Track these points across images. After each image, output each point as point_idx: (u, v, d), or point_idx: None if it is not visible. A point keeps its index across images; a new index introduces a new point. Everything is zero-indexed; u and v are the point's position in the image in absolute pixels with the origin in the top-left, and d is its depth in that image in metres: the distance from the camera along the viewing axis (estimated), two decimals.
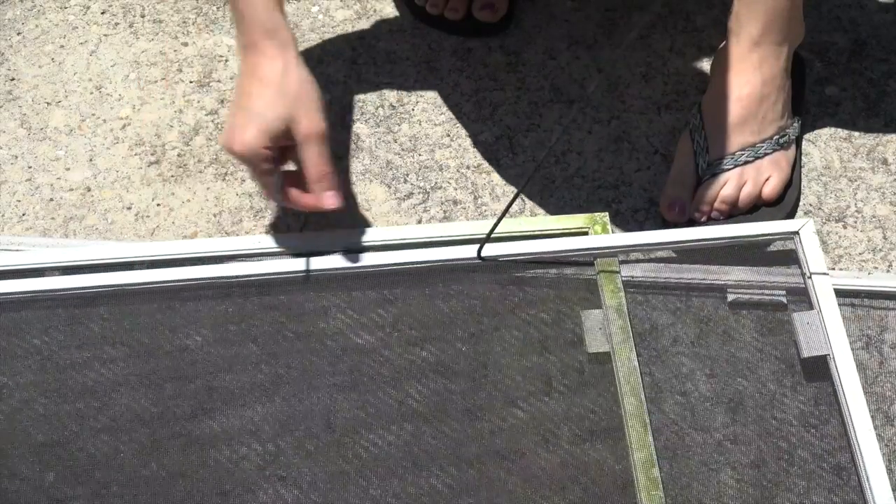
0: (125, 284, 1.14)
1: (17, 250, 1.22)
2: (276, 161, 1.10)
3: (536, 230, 1.19)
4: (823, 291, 1.15)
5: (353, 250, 1.17)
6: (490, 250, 1.15)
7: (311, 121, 1.07)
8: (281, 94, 1.07)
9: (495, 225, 1.12)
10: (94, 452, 1.08)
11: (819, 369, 1.13)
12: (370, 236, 1.18)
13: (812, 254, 1.17)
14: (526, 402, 1.11)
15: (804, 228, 1.18)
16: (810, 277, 1.15)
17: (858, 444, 1.06)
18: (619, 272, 1.17)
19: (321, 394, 1.11)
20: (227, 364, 1.13)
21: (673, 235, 1.18)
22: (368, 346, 1.14)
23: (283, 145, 1.09)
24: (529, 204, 1.27)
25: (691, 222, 1.22)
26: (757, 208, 1.23)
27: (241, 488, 1.06)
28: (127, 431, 1.09)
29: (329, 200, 1.09)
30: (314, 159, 1.08)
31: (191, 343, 1.14)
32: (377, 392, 1.11)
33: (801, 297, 1.17)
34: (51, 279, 1.15)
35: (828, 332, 1.12)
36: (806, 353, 1.12)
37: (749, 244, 1.19)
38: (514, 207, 1.27)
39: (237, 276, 1.15)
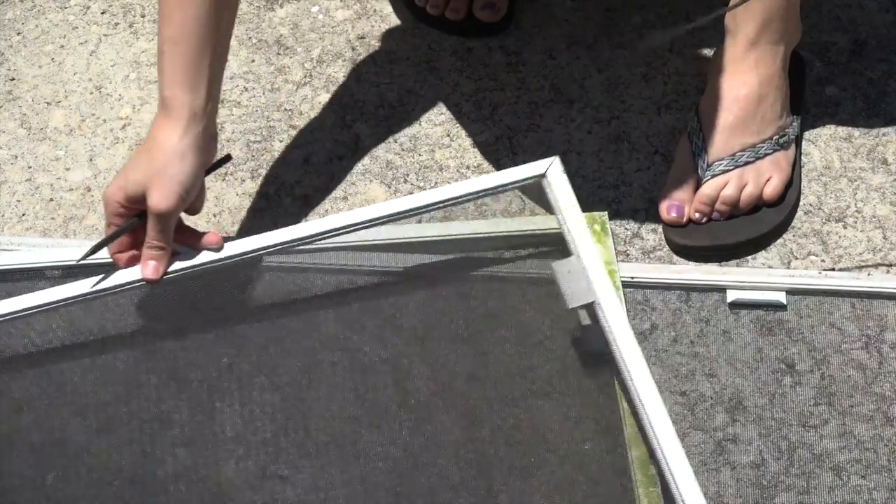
0: (120, 286, 1.12)
1: (17, 250, 1.22)
2: (125, 218, 1.08)
3: (537, 230, 1.19)
4: (579, 233, 1.09)
5: (349, 248, 1.18)
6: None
7: (161, 198, 1.05)
8: (148, 161, 1.06)
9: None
10: (94, 452, 1.08)
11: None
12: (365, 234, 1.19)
13: (562, 194, 1.12)
14: (525, 402, 1.11)
15: (551, 169, 1.13)
16: (564, 221, 1.09)
17: (636, 388, 1.01)
18: (617, 269, 1.17)
19: (320, 394, 1.11)
20: (227, 364, 1.13)
21: (422, 199, 1.13)
22: (367, 346, 1.14)
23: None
24: (530, 204, 1.27)
25: (690, 223, 1.22)
26: (758, 209, 1.23)
27: (242, 488, 1.06)
28: (127, 431, 1.09)
29: (146, 270, 1.07)
30: (151, 232, 1.07)
31: (190, 343, 1.14)
32: (376, 392, 1.11)
33: (562, 248, 1.12)
34: (46, 292, 1.12)
35: (590, 277, 1.06)
36: (571, 304, 1.07)
37: (502, 191, 1.14)
38: (514, 207, 1.26)
39: (227, 257, 1.12)
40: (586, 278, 1.07)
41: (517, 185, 1.15)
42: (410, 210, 1.12)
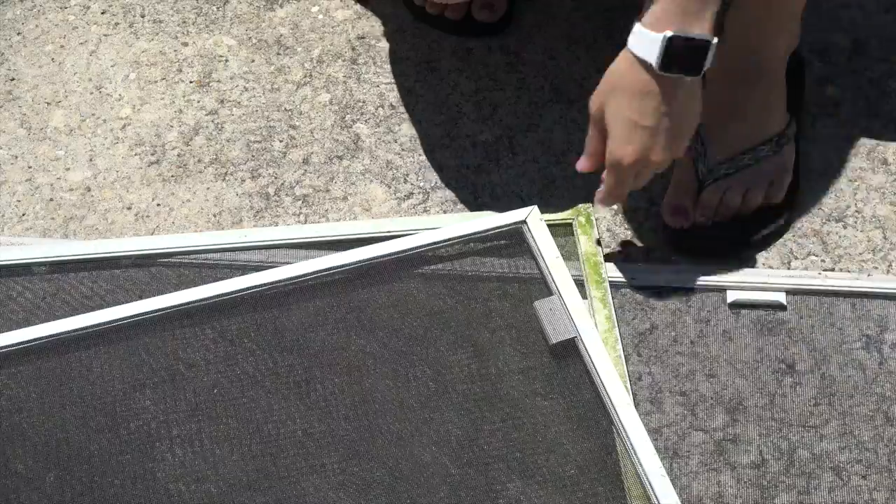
0: (123, 318, 1.14)
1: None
2: None
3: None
4: (560, 274, 1.15)
5: (347, 243, 1.20)
6: None
7: None
8: None
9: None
10: (94, 452, 1.08)
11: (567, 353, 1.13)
12: (360, 228, 1.21)
13: (542, 239, 1.18)
14: (525, 402, 1.11)
15: (530, 216, 1.19)
16: (546, 265, 1.16)
17: (620, 420, 1.07)
18: (601, 261, 1.19)
19: (319, 395, 1.11)
20: (227, 365, 1.13)
21: (408, 243, 1.18)
22: (367, 346, 1.14)
23: None
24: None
25: (695, 227, 1.22)
26: (761, 210, 1.23)
27: (242, 488, 1.06)
28: (127, 432, 1.09)
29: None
30: None
31: (191, 344, 1.14)
32: (375, 392, 1.11)
33: (539, 286, 1.17)
34: (48, 325, 1.14)
35: (571, 314, 1.12)
36: (554, 340, 1.12)
37: (482, 238, 1.20)
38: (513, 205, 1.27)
39: (227, 293, 1.16)
40: (568, 316, 1.12)
41: (496, 231, 1.19)
42: (379, 256, 1.17)
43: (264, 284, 1.15)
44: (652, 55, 1.05)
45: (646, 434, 1.06)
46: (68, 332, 1.12)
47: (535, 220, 1.19)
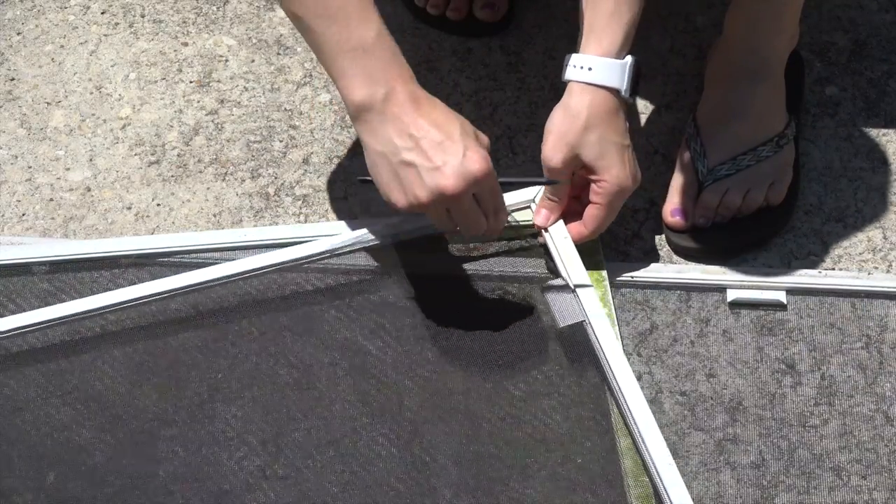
0: (122, 303, 1.14)
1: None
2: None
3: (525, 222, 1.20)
4: (569, 257, 1.13)
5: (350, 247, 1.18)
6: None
7: (486, 138, 1.06)
8: (458, 115, 1.04)
9: None
10: (94, 452, 1.08)
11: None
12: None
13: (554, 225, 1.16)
14: (525, 402, 1.11)
15: (539, 196, 1.17)
16: (554, 244, 1.14)
17: (628, 405, 1.06)
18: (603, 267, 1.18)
19: (320, 393, 1.11)
20: (228, 365, 1.13)
21: (408, 223, 1.17)
22: (367, 346, 1.14)
23: None
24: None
25: (694, 228, 1.22)
26: (760, 211, 1.23)
27: (242, 488, 1.06)
28: (127, 432, 1.09)
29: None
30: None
31: (191, 344, 1.14)
32: (376, 392, 1.11)
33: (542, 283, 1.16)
34: (51, 308, 1.14)
35: (580, 297, 1.11)
36: (562, 323, 1.11)
37: None
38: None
39: (227, 276, 1.16)
40: (576, 299, 1.11)
41: (512, 209, 1.17)
42: (400, 232, 1.17)
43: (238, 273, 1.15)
44: (621, 82, 1.11)
45: (653, 419, 1.05)
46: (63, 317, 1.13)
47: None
